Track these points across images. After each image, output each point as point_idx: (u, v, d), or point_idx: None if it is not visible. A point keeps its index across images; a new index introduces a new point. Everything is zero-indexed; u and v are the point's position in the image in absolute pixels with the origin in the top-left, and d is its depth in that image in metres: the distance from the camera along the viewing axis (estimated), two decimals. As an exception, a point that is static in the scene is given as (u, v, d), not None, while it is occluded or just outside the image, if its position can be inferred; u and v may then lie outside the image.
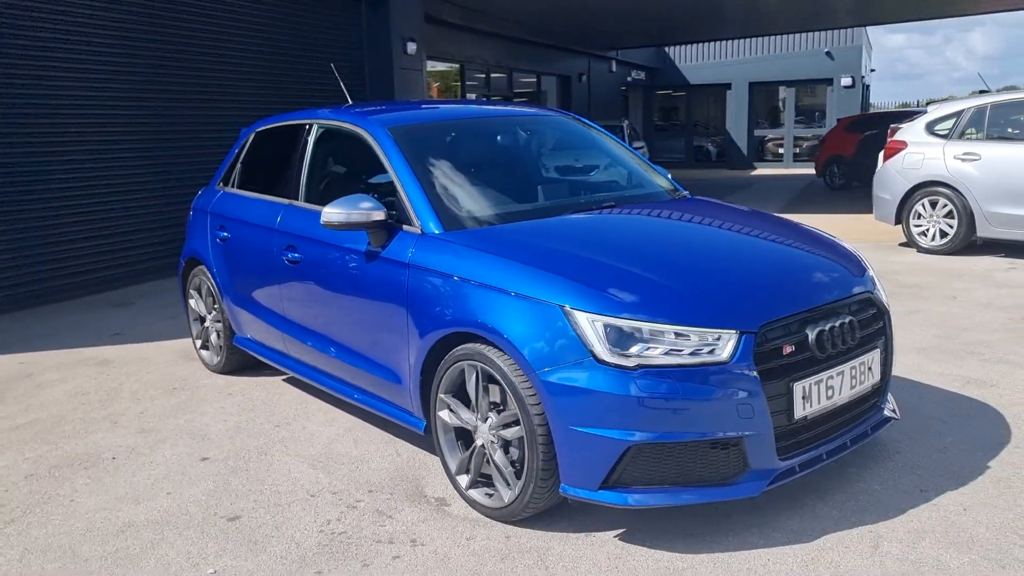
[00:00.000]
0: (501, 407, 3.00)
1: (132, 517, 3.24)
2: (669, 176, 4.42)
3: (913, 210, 8.55)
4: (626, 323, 2.72)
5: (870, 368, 3.12)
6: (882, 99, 69.30)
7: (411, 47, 12.24)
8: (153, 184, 8.66)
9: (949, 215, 8.27)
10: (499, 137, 4.25)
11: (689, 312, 2.77)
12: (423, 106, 4.62)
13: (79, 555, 2.96)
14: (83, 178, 7.93)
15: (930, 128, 8.54)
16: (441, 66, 16.09)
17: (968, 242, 8.24)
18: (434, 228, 3.37)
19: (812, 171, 17.86)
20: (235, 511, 3.25)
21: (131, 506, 3.33)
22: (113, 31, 8.13)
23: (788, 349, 2.83)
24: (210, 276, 4.96)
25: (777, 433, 2.78)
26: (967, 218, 8.11)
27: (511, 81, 18.68)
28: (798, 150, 25.26)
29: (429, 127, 4.06)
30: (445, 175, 3.70)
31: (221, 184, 5.15)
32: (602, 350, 2.70)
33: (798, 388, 2.82)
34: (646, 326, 2.72)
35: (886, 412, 3.30)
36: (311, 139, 4.30)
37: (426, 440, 3.64)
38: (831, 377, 2.93)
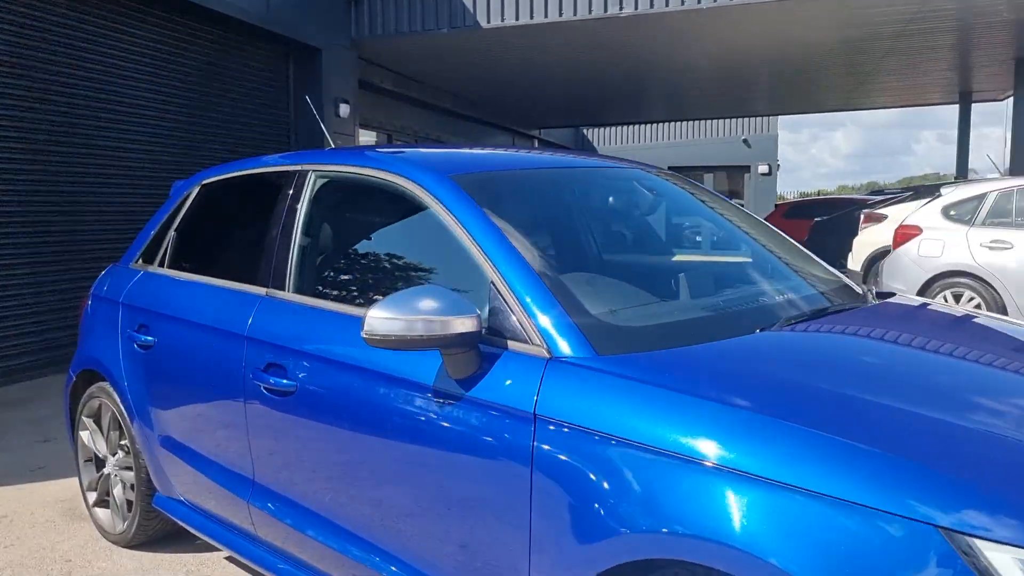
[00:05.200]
0: None
1: None
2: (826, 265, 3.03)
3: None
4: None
5: None
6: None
7: (344, 109, 10.82)
8: (29, 262, 6.75)
9: (976, 308, 7.39)
10: (611, 199, 2.84)
11: None
12: (483, 151, 3.17)
13: None
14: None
15: (947, 212, 7.73)
16: (368, 135, 14.77)
17: (999, 339, 7.37)
18: (575, 349, 1.90)
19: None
20: None
21: None
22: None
23: None
24: (117, 400, 3.27)
25: None
26: (999, 312, 7.25)
27: (437, 154, 17.61)
28: (716, 236, 25.18)
29: (517, 176, 2.59)
30: (559, 257, 2.25)
31: (141, 262, 3.50)
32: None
33: None
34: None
35: None
36: (306, 196, 2.76)
37: None
38: None
